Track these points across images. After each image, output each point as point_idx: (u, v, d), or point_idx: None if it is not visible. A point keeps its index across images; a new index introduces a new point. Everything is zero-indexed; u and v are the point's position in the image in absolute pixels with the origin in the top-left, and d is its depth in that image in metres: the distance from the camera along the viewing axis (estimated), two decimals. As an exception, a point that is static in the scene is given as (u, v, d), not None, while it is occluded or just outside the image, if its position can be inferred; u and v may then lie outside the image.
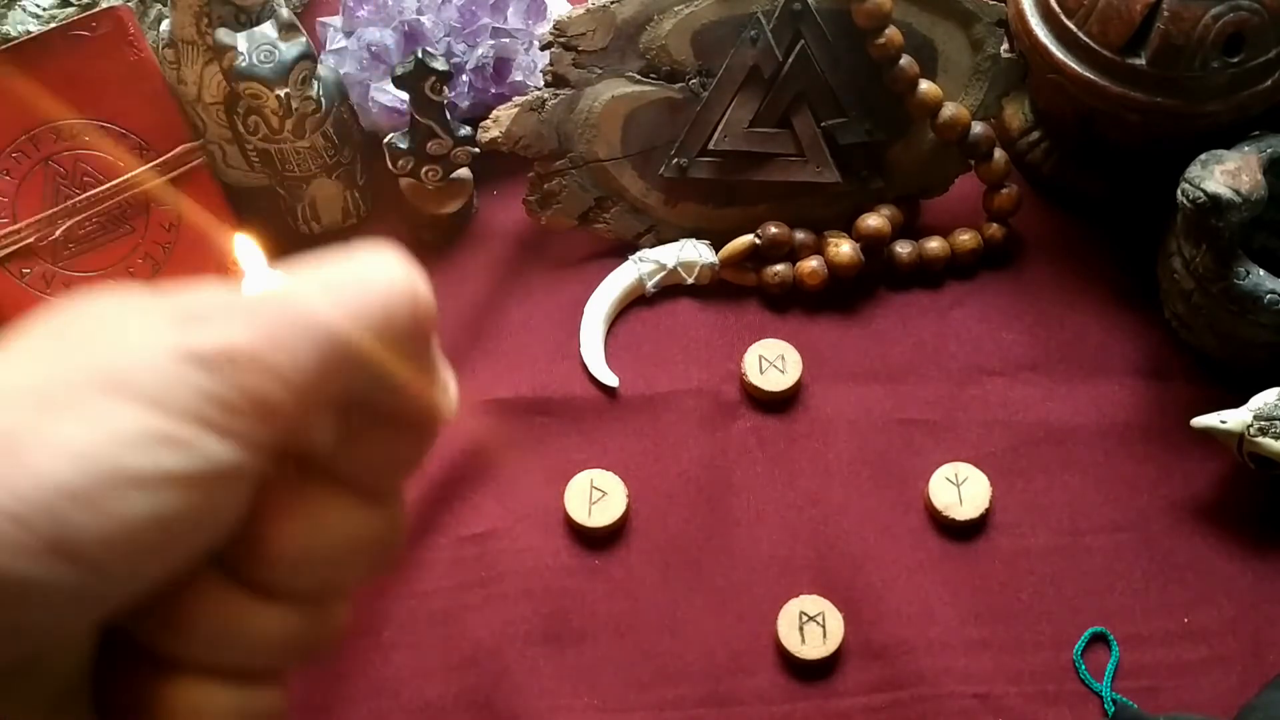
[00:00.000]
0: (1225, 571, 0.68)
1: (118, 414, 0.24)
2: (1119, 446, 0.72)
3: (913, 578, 0.68)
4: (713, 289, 0.78)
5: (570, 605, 0.68)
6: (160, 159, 0.74)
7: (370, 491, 0.29)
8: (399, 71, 0.72)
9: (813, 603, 0.66)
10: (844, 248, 0.76)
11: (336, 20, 0.81)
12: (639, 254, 0.77)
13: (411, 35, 0.79)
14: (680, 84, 0.75)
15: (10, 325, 0.72)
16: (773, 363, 0.74)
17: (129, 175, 0.73)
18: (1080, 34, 0.71)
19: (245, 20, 0.72)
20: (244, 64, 0.69)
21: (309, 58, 0.70)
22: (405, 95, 0.74)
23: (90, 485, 0.23)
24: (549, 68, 0.75)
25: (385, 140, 0.77)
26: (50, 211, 0.72)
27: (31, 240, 0.72)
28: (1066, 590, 0.67)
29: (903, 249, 0.77)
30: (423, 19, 0.79)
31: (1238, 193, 0.65)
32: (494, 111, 0.75)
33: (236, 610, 0.27)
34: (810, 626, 0.65)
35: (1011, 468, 0.71)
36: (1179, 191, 0.67)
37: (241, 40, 0.69)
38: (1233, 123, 0.70)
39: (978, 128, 0.75)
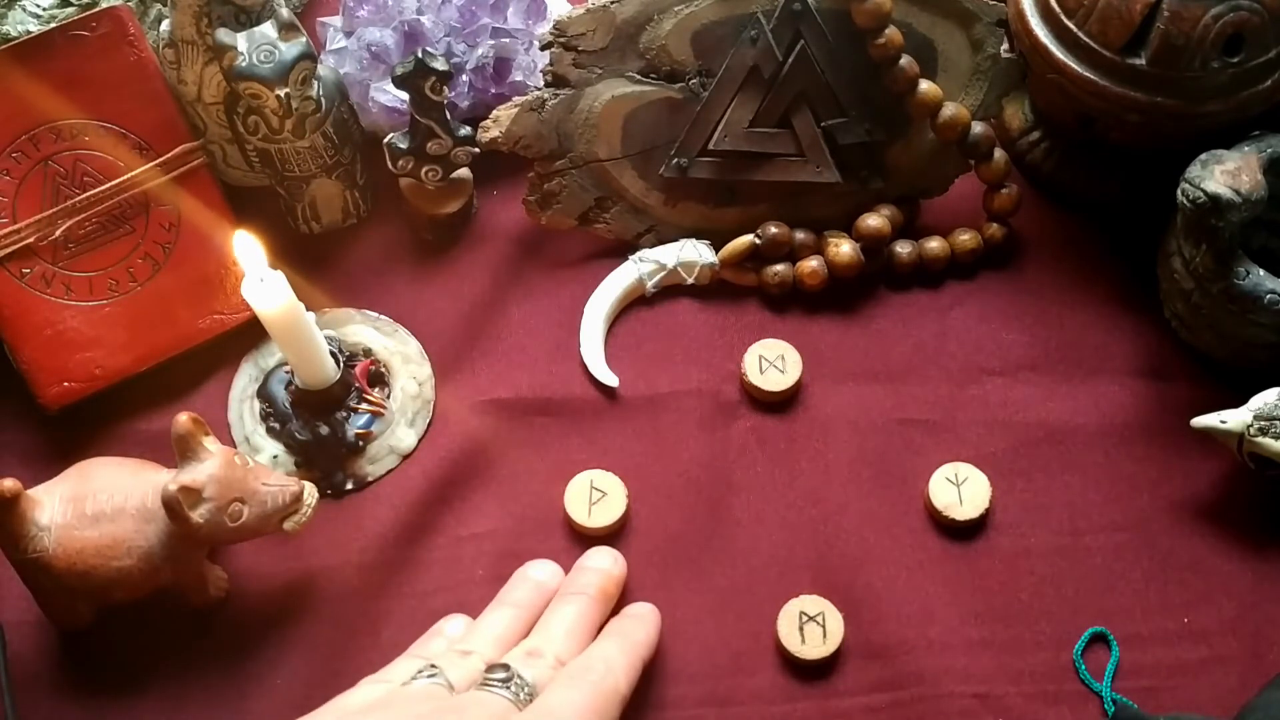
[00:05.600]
0: (1225, 571, 0.68)
1: None
2: (1119, 446, 0.72)
3: (913, 578, 0.68)
4: (713, 289, 0.78)
5: (570, 605, 0.68)
6: (160, 159, 0.74)
7: None
8: (399, 71, 0.72)
9: (813, 603, 0.66)
10: (844, 248, 0.76)
11: (336, 20, 0.81)
12: (639, 254, 0.77)
13: (411, 35, 0.79)
14: (680, 84, 0.75)
15: (10, 325, 0.72)
16: (773, 363, 0.74)
17: (129, 175, 0.73)
18: (1080, 34, 0.71)
19: (245, 20, 0.72)
20: (244, 64, 0.69)
21: (309, 58, 0.70)
22: (405, 95, 0.74)
23: None
24: (549, 68, 0.75)
25: (385, 140, 0.77)
26: (50, 211, 0.72)
27: (31, 240, 0.72)
28: (1066, 590, 0.67)
29: (903, 249, 0.77)
30: (423, 19, 0.79)
31: (1238, 193, 0.65)
32: (494, 111, 0.75)
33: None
34: (810, 626, 0.65)
35: (1011, 468, 0.71)
36: (1179, 191, 0.67)
37: (241, 40, 0.69)
38: (1233, 123, 0.70)
39: (978, 128, 0.75)
